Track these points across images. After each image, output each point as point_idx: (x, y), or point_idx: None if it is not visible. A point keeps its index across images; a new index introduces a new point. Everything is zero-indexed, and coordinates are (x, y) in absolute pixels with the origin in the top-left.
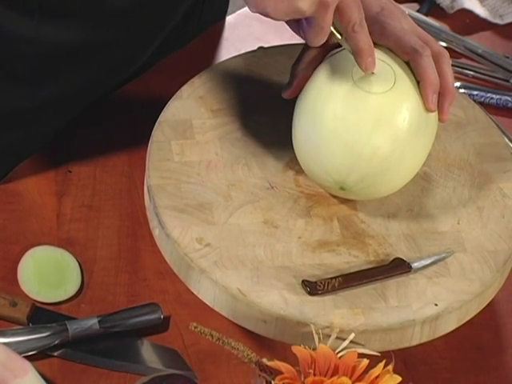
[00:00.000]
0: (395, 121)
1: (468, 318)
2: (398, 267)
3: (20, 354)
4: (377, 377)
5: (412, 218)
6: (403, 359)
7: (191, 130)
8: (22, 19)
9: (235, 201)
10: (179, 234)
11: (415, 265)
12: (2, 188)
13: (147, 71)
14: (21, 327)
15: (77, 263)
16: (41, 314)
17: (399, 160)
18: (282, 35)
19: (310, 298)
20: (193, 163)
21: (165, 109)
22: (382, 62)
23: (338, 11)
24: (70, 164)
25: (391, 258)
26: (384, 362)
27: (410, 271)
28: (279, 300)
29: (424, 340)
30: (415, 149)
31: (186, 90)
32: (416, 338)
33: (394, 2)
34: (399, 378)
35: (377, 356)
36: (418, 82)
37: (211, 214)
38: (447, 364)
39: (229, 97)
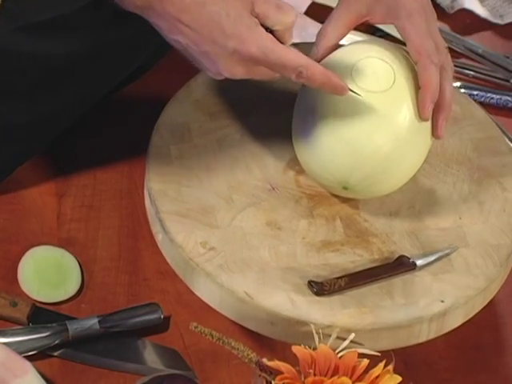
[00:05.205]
0: (396, 119)
1: (473, 313)
2: (403, 265)
3: (20, 353)
4: (377, 377)
5: (414, 215)
6: (403, 359)
7: (189, 134)
8: (18, 34)
9: (237, 203)
10: (183, 239)
11: (420, 262)
12: (2, 188)
13: (147, 72)
14: (21, 327)
15: (77, 263)
16: (41, 314)
17: (401, 158)
18: None
19: (317, 298)
20: (192, 167)
21: (162, 113)
22: (382, 60)
23: None
24: (70, 164)
25: (395, 256)
26: (384, 361)
27: (414, 268)
28: (286, 301)
29: (431, 337)
30: (416, 146)
31: (181, 94)
32: (423, 334)
33: (430, 3)
34: (399, 378)
35: (377, 356)
36: (418, 83)
37: (214, 218)
38: (447, 364)
39: (226, 99)
